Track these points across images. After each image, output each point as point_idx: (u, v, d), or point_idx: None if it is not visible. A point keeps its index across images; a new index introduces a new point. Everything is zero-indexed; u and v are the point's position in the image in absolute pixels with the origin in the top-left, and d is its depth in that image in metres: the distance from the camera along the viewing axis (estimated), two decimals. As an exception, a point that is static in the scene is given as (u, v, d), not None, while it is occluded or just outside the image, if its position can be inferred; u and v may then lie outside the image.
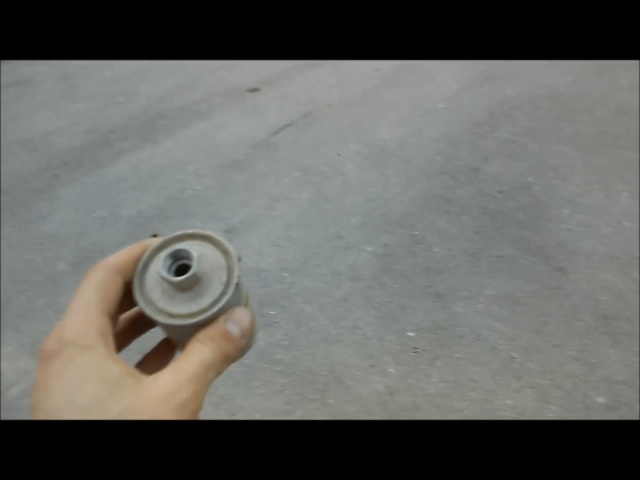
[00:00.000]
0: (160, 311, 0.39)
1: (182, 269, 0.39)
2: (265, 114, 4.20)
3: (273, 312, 2.47)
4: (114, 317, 0.39)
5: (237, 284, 0.40)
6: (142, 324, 0.43)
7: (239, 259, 0.41)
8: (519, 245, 2.72)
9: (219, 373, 0.38)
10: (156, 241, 0.41)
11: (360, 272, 2.65)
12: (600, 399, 2.03)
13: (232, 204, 3.20)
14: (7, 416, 2.05)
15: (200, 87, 4.74)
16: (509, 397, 2.05)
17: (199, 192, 3.33)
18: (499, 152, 3.46)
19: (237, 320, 0.40)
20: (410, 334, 2.33)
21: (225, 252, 0.41)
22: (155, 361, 0.44)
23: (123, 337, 0.43)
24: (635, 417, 1.94)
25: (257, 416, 2.04)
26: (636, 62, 4.38)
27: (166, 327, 0.40)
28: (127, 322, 0.43)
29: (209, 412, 2.06)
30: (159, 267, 0.38)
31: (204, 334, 0.38)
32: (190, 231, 0.42)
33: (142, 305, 0.39)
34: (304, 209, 3.11)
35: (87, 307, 0.36)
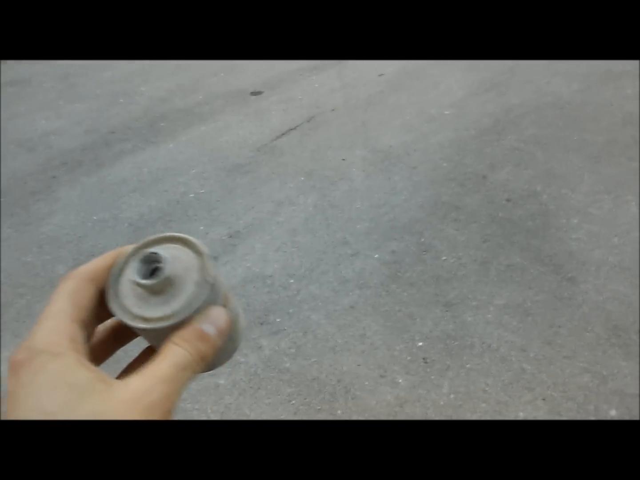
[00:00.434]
0: (135, 316, 0.38)
1: (155, 273, 0.39)
2: (268, 118, 4.15)
3: (279, 320, 2.42)
4: (88, 325, 0.39)
5: (213, 284, 0.39)
6: (124, 333, 0.43)
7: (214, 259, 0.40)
8: (528, 255, 2.68)
9: (195, 373, 0.38)
10: (129, 247, 0.41)
11: (368, 280, 2.60)
12: (613, 412, 1.99)
13: (236, 208, 3.15)
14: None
15: (201, 89, 4.70)
16: (521, 409, 2.01)
17: (201, 196, 3.28)
18: (506, 159, 3.43)
19: (213, 320, 0.39)
20: (419, 343, 2.29)
21: (198, 253, 0.40)
22: (137, 369, 0.43)
23: (105, 347, 0.43)
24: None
25: (263, 426, 1.99)
26: (641, 71, 4.37)
27: (142, 332, 0.39)
28: (108, 332, 0.43)
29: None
30: (131, 271, 0.39)
31: (178, 336, 0.38)
32: (163, 235, 0.41)
33: (115, 311, 0.38)
34: (310, 214, 3.06)
35: (57, 315, 0.37)
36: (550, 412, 1.99)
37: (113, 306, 0.39)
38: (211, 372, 0.43)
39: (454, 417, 1.99)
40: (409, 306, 2.46)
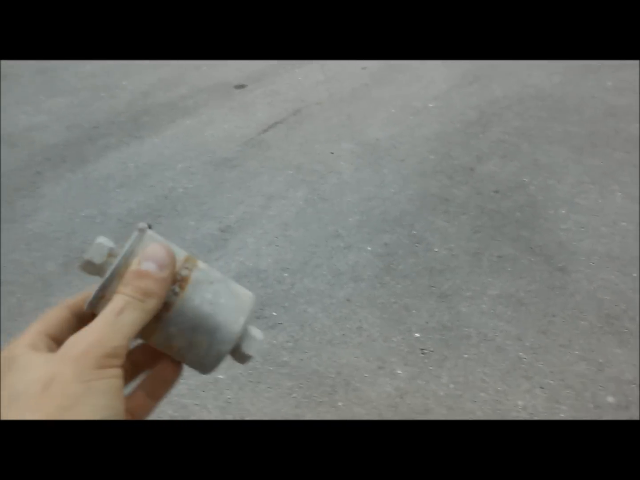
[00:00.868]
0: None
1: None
2: (253, 111, 4.13)
3: (275, 314, 2.42)
4: (59, 336, 0.41)
5: (143, 230, 0.42)
6: (146, 359, 0.47)
7: (149, 227, 0.43)
8: (519, 245, 2.72)
9: (144, 312, 0.39)
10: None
11: (362, 272, 2.61)
12: (610, 399, 2.03)
13: (226, 203, 3.13)
14: None
15: (184, 83, 4.64)
16: (520, 398, 2.04)
17: (190, 191, 3.25)
18: (493, 151, 3.46)
19: (150, 256, 0.40)
20: (416, 334, 2.30)
21: (140, 230, 0.42)
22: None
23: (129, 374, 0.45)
24: (647, 417, 1.94)
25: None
26: (619, 63, 4.44)
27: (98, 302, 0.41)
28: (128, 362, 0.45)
29: (216, 417, 2.00)
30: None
31: (119, 285, 0.40)
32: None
33: (86, 303, 0.41)
34: (300, 208, 3.06)
35: (26, 331, 0.40)
36: (549, 400, 2.02)
37: (86, 302, 0.41)
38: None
39: (455, 407, 2.01)
40: (404, 298, 2.47)
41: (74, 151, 3.68)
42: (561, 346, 2.22)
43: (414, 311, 2.41)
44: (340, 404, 2.04)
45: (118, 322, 0.38)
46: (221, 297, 0.44)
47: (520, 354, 2.20)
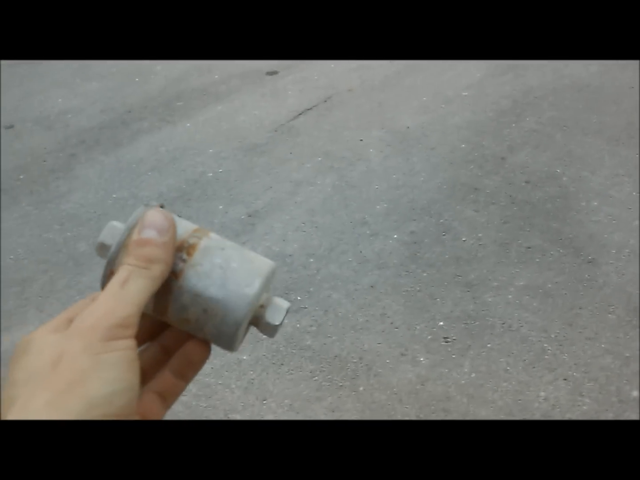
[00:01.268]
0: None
1: None
2: (284, 98, 4.14)
3: (299, 298, 2.44)
4: None
5: (147, 204, 0.42)
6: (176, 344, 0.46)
7: (161, 206, 0.43)
8: (548, 237, 2.68)
9: (150, 279, 0.38)
10: None
11: (388, 260, 2.61)
12: (635, 393, 2.00)
13: (254, 188, 3.15)
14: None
15: (216, 69, 4.67)
16: (543, 389, 2.02)
17: (220, 175, 3.29)
18: (525, 141, 3.41)
19: (148, 224, 0.40)
20: (440, 323, 2.30)
21: (146, 205, 0.43)
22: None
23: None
24: (673, 413, 1.91)
25: (287, 402, 2.01)
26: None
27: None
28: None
29: (239, 397, 2.03)
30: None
31: (122, 258, 0.40)
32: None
33: (101, 281, 0.42)
34: (328, 195, 3.06)
35: (52, 319, 0.40)
36: (572, 392, 2.00)
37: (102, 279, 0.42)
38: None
39: (475, 396, 2.01)
40: (429, 286, 2.47)
41: (108, 134, 3.75)
42: (587, 339, 2.19)
43: (438, 300, 2.40)
44: (361, 388, 2.06)
45: (124, 291, 0.37)
46: (233, 261, 0.43)
47: (545, 345, 2.18)
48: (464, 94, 4.02)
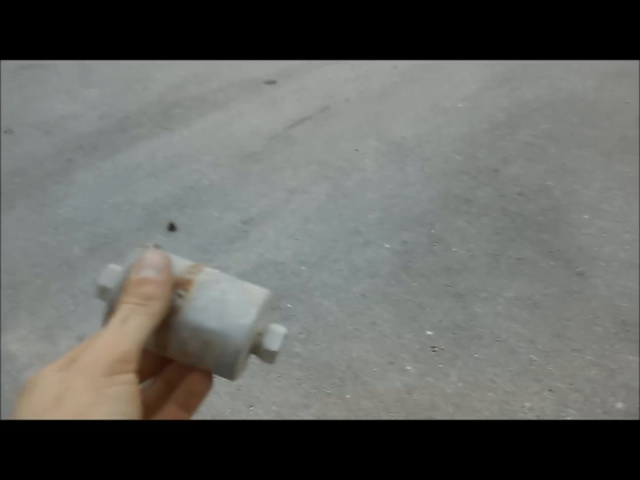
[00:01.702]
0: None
1: None
2: (282, 107, 4.17)
3: (290, 305, 2.45)
4: None
5: (146, 247, 0.44)
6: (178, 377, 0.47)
7: (157, 247, 0.45)
8: (539, 249, 2.70)
9: (149, 315, 0.40)
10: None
11: (379, 269, 2.63)
12: (619, 405, 2.01)
13: (249, 196, 3.18)
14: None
15: (216, 77, 4.71)
16: (528, 400, 2.04)
17: (215, 182, 3.31)
18: (519, 154, 3.44)
19: (146, 264, 0.42)
20: (429, 332, 2.31)
21: (144, 247, 0.45)
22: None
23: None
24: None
25: (274, 408, 2.03)
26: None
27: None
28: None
29: (226, 403, 2.04)
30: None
31: (121, 297, 0.41)
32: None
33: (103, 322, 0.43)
34: (322, 203, 3.09)
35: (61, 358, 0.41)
36: (557, 403, 2.01)
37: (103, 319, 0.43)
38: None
39: (462, 406, 2.02)
40: (419, 296, 2.48)
41: (106, 140, 3.78)
42: (574, 350, 2.20)
43: (428, 309, 2.42)
44: (348, 396, 2.07)
45: (125, 328, 0.38)
46: (229, 294, 0.44)
47: (532, 356, 2.19)
48: (459, 105, 4.06)
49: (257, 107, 4.19)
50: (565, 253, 2.67)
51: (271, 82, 4.59)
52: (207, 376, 0.45)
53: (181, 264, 0.45)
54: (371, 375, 2.14)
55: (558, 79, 4.41)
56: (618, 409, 1.99)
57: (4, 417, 1.59)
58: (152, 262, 0.42)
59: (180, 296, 0.43)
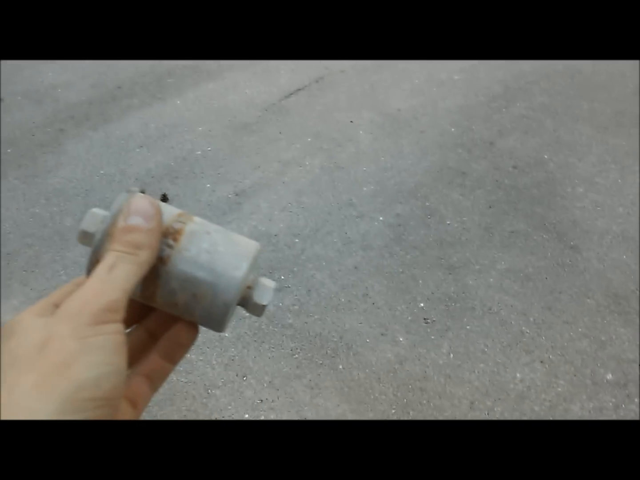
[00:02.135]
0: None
1: None
2: (276, 77, 4.12)
3: (283, 277, 2.45)
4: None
5: (130, 190, 0.42)
6: (162, 327, 0.46)
7: (141, 192, 0.43)
8: (532, 222, 2.70)
9: (137, 264, 0.39)
10: None
11: (372, 241, 2.62)
12: (609, 376, 2.04)
13: (243, 167, 3.15)
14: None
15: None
16: (519, 371, 2.06)
17: (208, 154, 3.28)
18: (515, 127, 3.42)
19: (135, 210, 0.40)
20: (421, 304, 2.32)
21: (128, 191, 0.43)
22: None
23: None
24: (645, 396, 1.95)
25: (267, 378, 2.04)
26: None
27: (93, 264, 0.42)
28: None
29: (219, 373, 2.05)
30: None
31: (109, 244, 0.40)
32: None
33: (87, 267, 0.42)
34: (316, 176, 3.07)
35: (36, 303, 0.41)
36: (547, 374, 2.03)
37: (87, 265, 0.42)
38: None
39: (452, 376, 2.04)
40: (412, 268, 2.49)
41: (97, 110, 3.73)
42: (565, 323, 2.22)
43: (420, 281, 2.42)
44: (340, 367, 2.08)
45: (111, 276, 0.37)
46: (219, 245, 0.43)
47: (524, 328, 2.21)
48: (455, 77, 4.02)
49: (251, 77, 4.13)
50: (559, 226, 2.67)
51: (265, 52, 4.52)
52: (193, 327, 0.45)
53: (169, 212, 0.43)
54: (363, 346, 2.15)
55: (555, 51, 4.36)
56: (607, 380, 2.01)
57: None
58: (141, 209, 0.40)
59: (170, 246, 0.42)
